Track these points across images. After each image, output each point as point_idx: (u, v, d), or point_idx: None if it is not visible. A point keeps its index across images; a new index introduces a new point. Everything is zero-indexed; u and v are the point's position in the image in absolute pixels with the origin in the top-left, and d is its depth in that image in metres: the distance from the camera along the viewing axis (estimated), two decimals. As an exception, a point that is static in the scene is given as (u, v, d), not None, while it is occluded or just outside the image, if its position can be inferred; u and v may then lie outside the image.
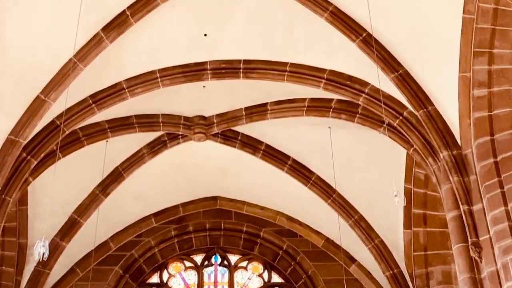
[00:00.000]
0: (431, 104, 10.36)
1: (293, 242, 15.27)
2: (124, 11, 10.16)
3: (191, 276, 15.35)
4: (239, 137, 13.32)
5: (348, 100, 11.66)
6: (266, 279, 15.33)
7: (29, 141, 10.91)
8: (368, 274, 14.39)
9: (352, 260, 14.59)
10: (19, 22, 9.78)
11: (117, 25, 10.24)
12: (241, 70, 11.61)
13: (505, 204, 8.80)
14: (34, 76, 10.36)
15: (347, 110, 11.94)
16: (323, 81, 11.36)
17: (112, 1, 10.06)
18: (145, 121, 12.59)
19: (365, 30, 10.31)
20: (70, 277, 14.25)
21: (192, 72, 11.58)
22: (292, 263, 15.19)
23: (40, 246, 7.92)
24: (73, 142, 12.03)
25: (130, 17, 10.18)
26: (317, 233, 15.07)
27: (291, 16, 10.72)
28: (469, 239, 9.23)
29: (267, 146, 13.49)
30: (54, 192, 11.97)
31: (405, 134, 10.95)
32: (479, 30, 9.19)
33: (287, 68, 11.44)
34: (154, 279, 15.24)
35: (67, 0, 9.72)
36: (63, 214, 13.35)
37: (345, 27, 10.37)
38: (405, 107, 10.80)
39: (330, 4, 10.24)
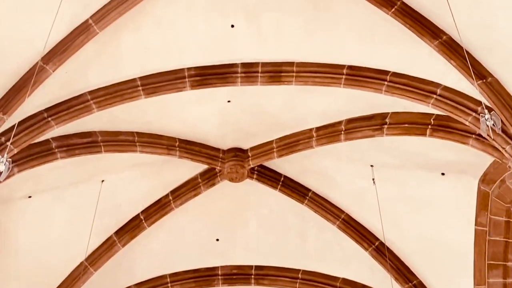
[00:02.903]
0: (449, 317, 9.87)
1: None
2: (138, 215, 10.17)
3: None
4: None
5: (363, 312, 11.17)
6: None
7: None
8: None
9: None
10: (33, 224, 9.68)
11: (130, 229, 10.17)
12: (252, 277, 11.27)
13: None
14: (44, 279, 10.05)
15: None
16: (337, 289, 11.03)
17: (126, 205, 10.08)
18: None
19: (377, 239, 10.14)
20: None
21: (203, 277, 11.24)
22: None
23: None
24: None
25: (143, 221, 10.16)
26: None
27: (303, 223, 10.64)
28: None
29: None
30: None
31: None
32: (492, 243, 9.01)
33: (299, 276, 11.10)
34: None
35: (82, 204, 9.76)
36: None
37: (358, 235, 10.23)
38: (426, 316, 10.27)
39: (342, 212, 10.21)
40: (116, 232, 10.16)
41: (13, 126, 7.52)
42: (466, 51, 6.86)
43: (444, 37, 7.21)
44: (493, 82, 7.15)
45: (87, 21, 7.37)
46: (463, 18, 6.68)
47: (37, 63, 7.34)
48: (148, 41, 8.01)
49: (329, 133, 9.17)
